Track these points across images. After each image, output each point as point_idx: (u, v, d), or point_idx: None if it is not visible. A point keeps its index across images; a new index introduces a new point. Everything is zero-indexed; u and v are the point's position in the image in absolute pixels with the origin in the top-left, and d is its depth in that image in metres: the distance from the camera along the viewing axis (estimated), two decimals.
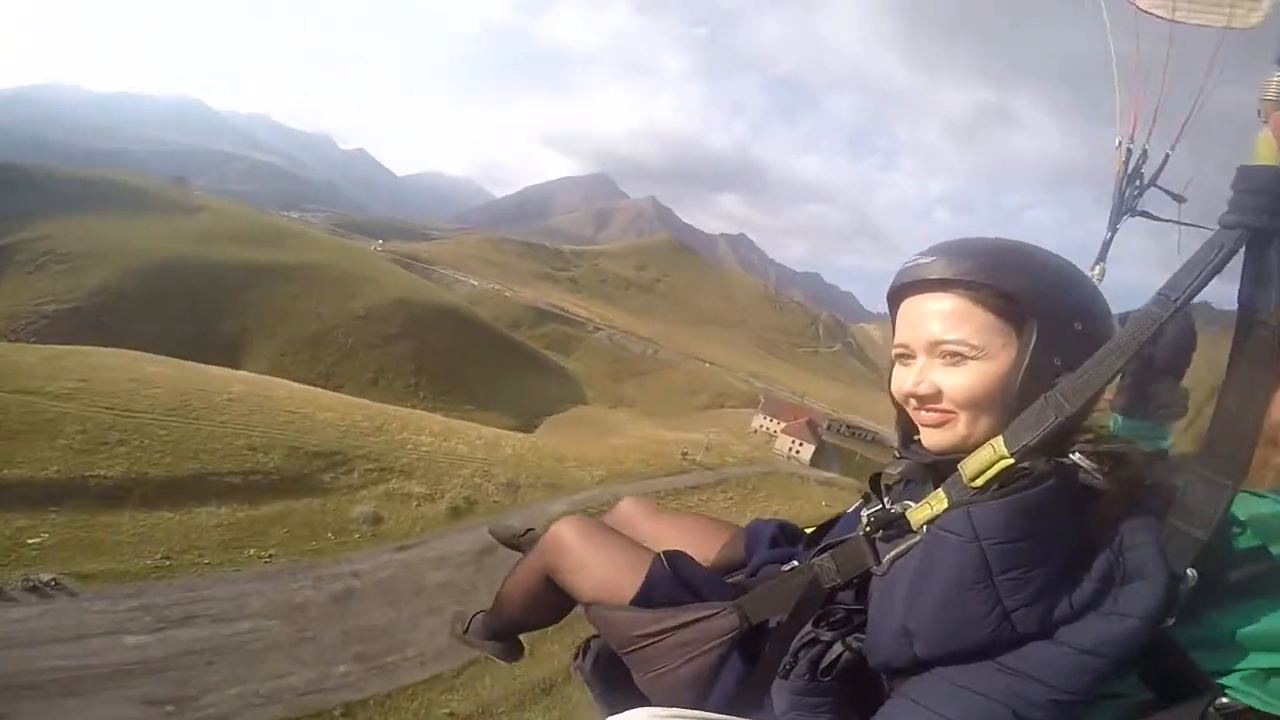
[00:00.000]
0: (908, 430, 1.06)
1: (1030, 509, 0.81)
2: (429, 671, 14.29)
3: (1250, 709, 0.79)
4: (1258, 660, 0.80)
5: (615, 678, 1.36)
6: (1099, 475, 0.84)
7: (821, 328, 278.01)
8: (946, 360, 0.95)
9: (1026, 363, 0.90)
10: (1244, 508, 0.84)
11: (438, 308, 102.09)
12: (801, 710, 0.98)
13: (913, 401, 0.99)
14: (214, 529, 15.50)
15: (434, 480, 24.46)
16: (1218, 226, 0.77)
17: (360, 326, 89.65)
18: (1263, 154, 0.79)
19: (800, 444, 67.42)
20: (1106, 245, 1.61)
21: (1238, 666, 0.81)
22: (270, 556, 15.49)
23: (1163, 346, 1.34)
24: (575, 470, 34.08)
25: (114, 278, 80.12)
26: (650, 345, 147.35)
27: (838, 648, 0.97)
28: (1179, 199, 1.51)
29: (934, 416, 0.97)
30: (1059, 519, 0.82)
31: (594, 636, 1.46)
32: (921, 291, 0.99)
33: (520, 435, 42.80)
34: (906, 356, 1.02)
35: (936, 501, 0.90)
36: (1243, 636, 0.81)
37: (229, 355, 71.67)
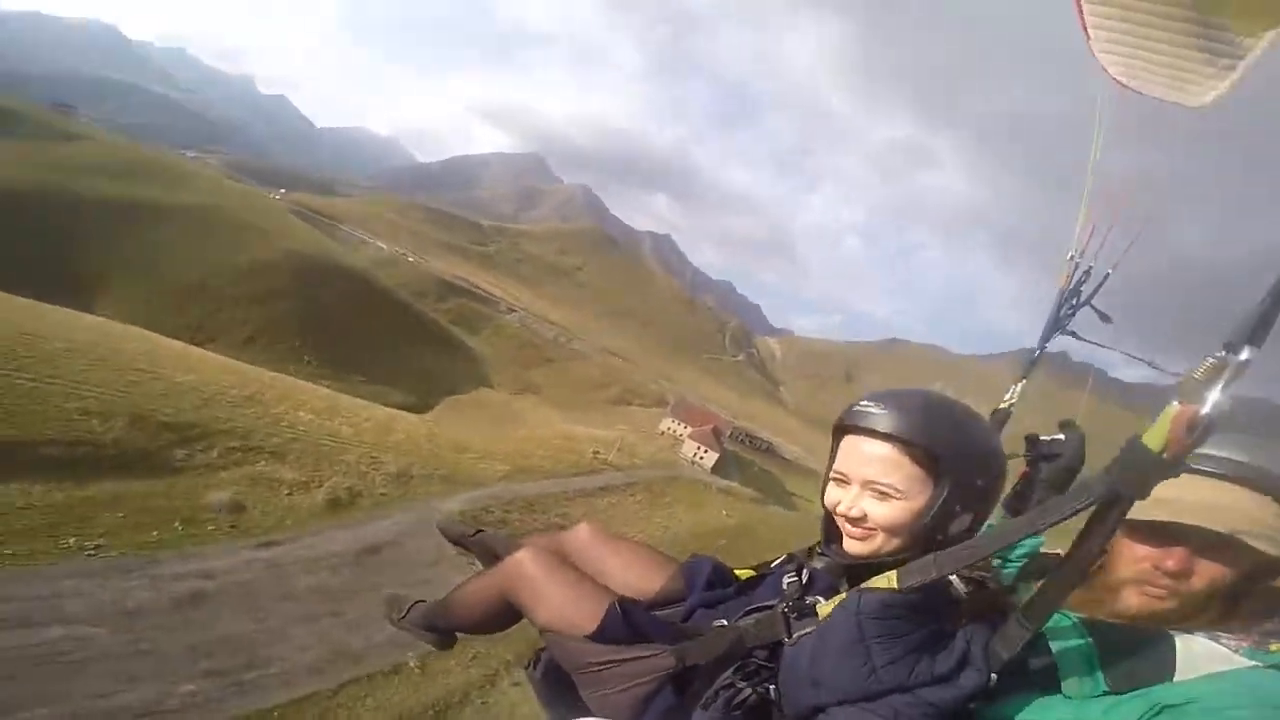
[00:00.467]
0: (831, 530, 1.37)
1: (900, 603, 1.13)
2: (299, 691, 12.02)
3: None
4: None
5: (562, 688, 1.59)
6: (964, 593, 1.19)
7: (729, 336, 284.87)
8: (875, 495, 1.25)
9: (936, 508, 1.21)
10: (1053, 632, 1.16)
11: (334, 267, 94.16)
12: None
13: (843, 518, 1.29)
14: (22, 511, 12.22)
15: (311, 465, 21.28)
16: (1150, 365, 0.93)
17: (242, 279, 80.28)
18: (1155, 434, 0.89)
19: (705, 451, 68.07)
20: (1033, 362, 1.81)
21: None
22: (97, 548, 12.43)
23: (1055, 468, 1.52)
24: (476, 463, 31.64)
25: None
26: (563, 333, 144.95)
27: (748, 691, 1.25)
28: (1105, 319, 1.72)
29: (859, 532, 1.28)
30: (924, 613, 1.15)
31: (541, 649, 1.66)
32: (866, 435, 1.26)
33: (415, 418, 39.41)
34: (843, 481, 1.31)
35: (838, 601, 1.22)
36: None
37: (84, 297, 62.23)
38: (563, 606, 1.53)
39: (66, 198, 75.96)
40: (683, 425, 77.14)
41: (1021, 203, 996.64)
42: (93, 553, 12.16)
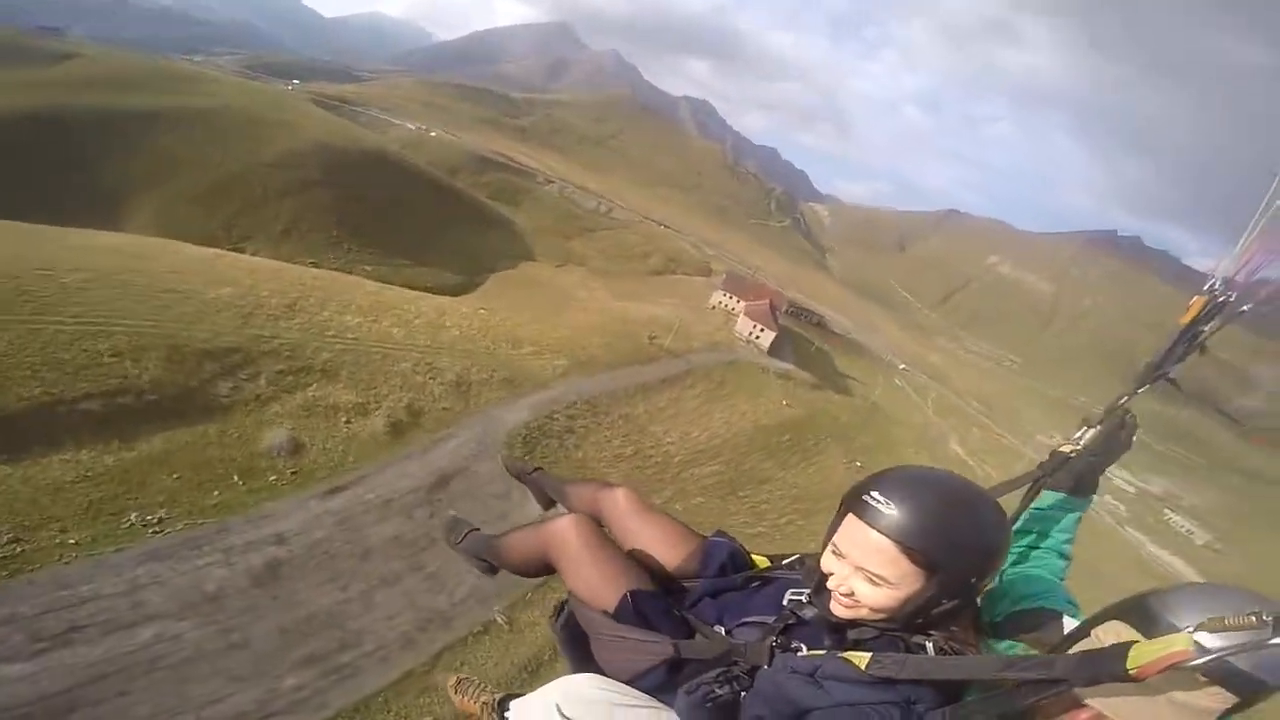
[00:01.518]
0: (822, 583, 1.50)
1: (865, 682, 1.27)
2: (396, 669, 11.49)
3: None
4: None
5: (578, 638, 1.86)
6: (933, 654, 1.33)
7: (774, 202, 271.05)
8: (867, 579, 1.37)
9: (924, 602, 1.33)
10: None
11: (364, 152, 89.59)
12: (687, 713, 1.48)
13: (833, 586, 1.45)
14: (75, 485, 11.31)
15: (366, 381, 20.10)
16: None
17: (270, 174, 76.48)
18: (1149, 650, 0.99)
19: (761, 329, 65.50)
20: (1122, 407, 1.71)
21: None
22: (160, 522, 11.63)
23: (1102, 451, 1.69)
24: (533, 360, 30.48)
25: None
26: (602, 202, 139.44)
27: (723, 692, 1.45)
28: (1202, 350, 1.62)
29: (846, 600, 1.43)
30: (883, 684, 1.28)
31: (565, 602, 1.92)
32: (871, 525, 1.35)
33: (466, 307, 38.01)
34: (840, 555, 1.44)
35: (822, 657, 1.37)
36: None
37: (107, 213, 60.39)
38: (591, 580, 1.80)
39: (73, 118, 71.93)
40: (735, 299, 74.27)
41: (1110, 85, 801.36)
42: (157, 528, 11.25)
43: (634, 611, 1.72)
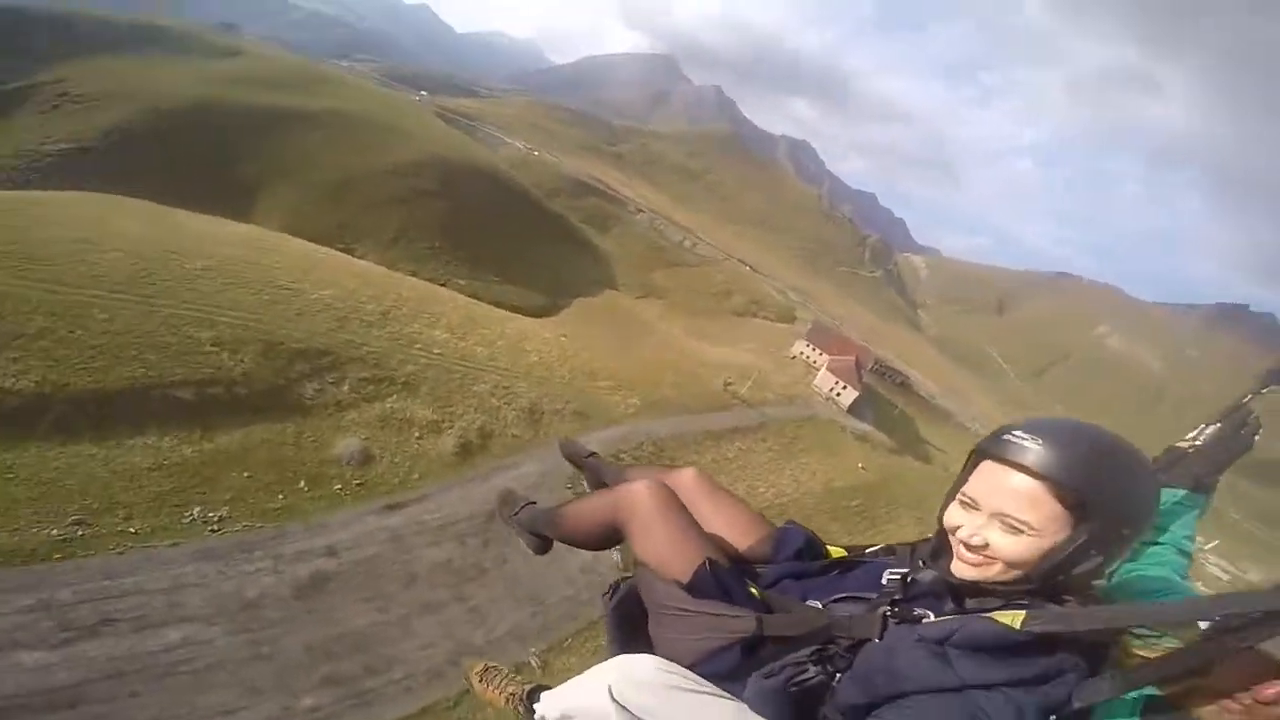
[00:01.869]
0: (941, 545, 1.31)
1: (1015, 643, 1.09)
2: (418, 701, 11.00)
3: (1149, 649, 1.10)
4: None
5: (631, 618, 1.67)
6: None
7: (868, 250, 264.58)
8: (1005, 527, 1.17)
9: (1070, 552, 1.13)
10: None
11: (474, 167, 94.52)
12: (761, 701, 1.27)
13: (960, 541, 1.23)
14: (150, 474, 11.61)
15: (443, 399, 20.35)
16: None
17: (388, 179, 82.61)
18: None
19: (843, 386, 62.86)
20: (1240, 409, 1.64)
21: None
22: (220, 520, 11.74)
23: (1222, 450, 1.58)
24: (607, 395, 30.15)
25: (129, 118, 71.28)
26: (689, 236, 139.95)
27: (815, 675, 1.26)
28: None
29: (974, 559, 1.21)
30: (1030, 651, 1.10)
31: (624, 578, 1.74)
32: (1011, 466, 1.18)
33: (549, 332, 38.43)
34: (971, 506, 1.24)
35: (949, 620, 1.19)
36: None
37: (244, 202, 66.60)
38: (664, 547, 1.57)
39: (227, 108, 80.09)
40: (818, 351, 71.78)
41: (1251, 142, 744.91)
42: (216, 527, 11.23)
43: (712, 583, 1.50)
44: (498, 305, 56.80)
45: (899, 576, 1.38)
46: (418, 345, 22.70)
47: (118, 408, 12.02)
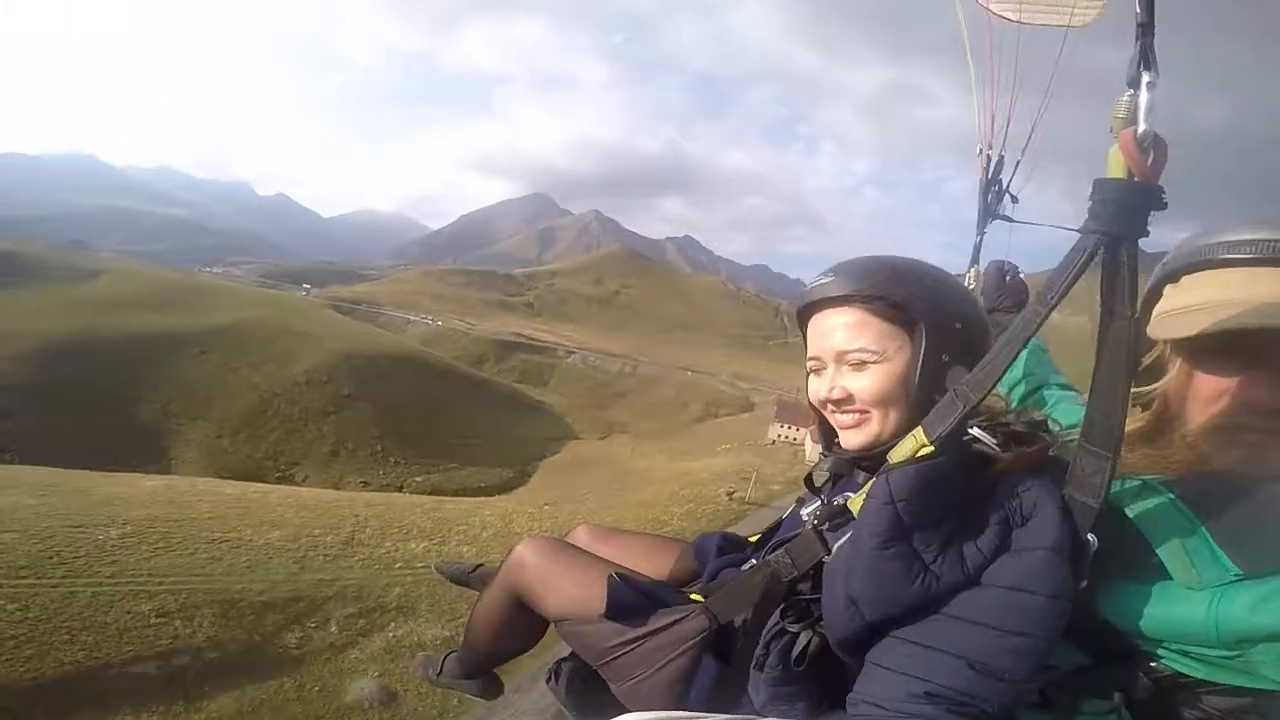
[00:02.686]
0: (829, 434, 1.19)
1: (936, 473, 0.90)
2: None
3: (1177, 674, 0.86)
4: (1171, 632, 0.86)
5: (591, 694, 1.41)
6: (995, 447, 0.95)
7: (785, 317, 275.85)
8: (853, 367, 1.08)
9: (920, 361, 1.04)
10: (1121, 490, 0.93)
11: (392, 356, 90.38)
12: (780, 700, 1.03)
13: (829, 406, 1.13)
14: None
15: (448, 611, 16.58)
16: (1076, 230, 0.85)
17: (304, 392, 76.64)
18: (1113, 168, 0.83)
19: None
20: (977, 249, 1.86)
21: (1157, 635, 0.87)
22: None
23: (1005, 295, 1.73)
24: None
25: (2, 368, 64.49)
26: (627, 362, 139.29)
27: (806, 636, 1.02)
28: (1013, 199, 1.83)
29: (850, 419, 1.10)
30: (959, 480, 0.92)
31: (563, 658, 1.49)
32: (825, 308, 1.13)
33: (532, 508, 33.90)
34: (819, 367, 1.15)
35: (869, 486, 0.98)
36: (1139, 612, 0.88)
37: (151, 448, 59.42)
38: (572, 589, 1.38)
39: (109, 340, 73.70)
40: (792, 428, 69.58)
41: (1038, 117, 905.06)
42: None
43: (632, 593, 1.29)
44: (464, 493, 51.22)
45: (819, 500, 1.17)
46: (397, 565, 19.26)
47: (70, 690, 9.31)
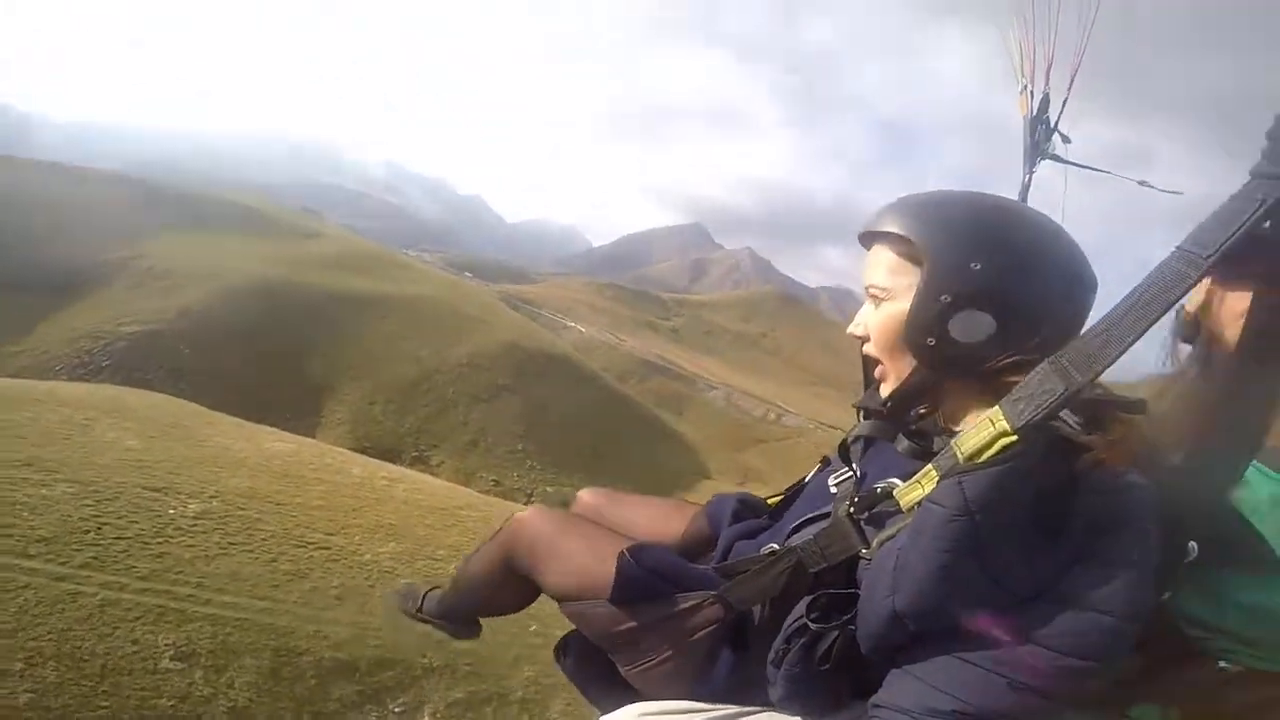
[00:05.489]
0: (871, 386, 1.10)
1: (1022, 477, 0.74)
2: None
3: (1248, 670, 0.78)
4: (1245, 626, 0.78)
5: (601, 672, 1.29)
6: (1085, 434, 0.78)
7: None
8: (874, 304, 1.00)
9: (914, 300, 0.91)
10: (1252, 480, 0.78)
11: (549, 356, 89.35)
12: (799, 697, 0.95)
13: (862, 350, 1.06)
14: None
15: (589, 710, 9.58)
16: (1148, 185, 0.83)
17: (465, 374, 77.06)
18: None
19: None
20: (1025, 188, 1.72)
21: (1229, 629, 0.78)
22: None
23: None
24: None
25: (202, 300, 69.91)
26: (770, 408, 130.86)
27: (832, 634, 0.91)
28: (1065, 139, 1.67)
29: (877, 368, 1.02)
30: (1038, 472, 0.76)
31: (571, 633, 1.40)
32: (865, 245, 1.04)
33: None
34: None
35: (928, 481, 0.82)
36: (1235, 604, 0.78)
37: (312, 402, 61.02)
38: (579, 565, 1.25)
39: (303, 292, 77.54)
40: None
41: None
42: None
43: (641, 573, 1.14)
44: None
45: (850, 470, 1.06)
46: (532, 628, 12.01)
47: None
